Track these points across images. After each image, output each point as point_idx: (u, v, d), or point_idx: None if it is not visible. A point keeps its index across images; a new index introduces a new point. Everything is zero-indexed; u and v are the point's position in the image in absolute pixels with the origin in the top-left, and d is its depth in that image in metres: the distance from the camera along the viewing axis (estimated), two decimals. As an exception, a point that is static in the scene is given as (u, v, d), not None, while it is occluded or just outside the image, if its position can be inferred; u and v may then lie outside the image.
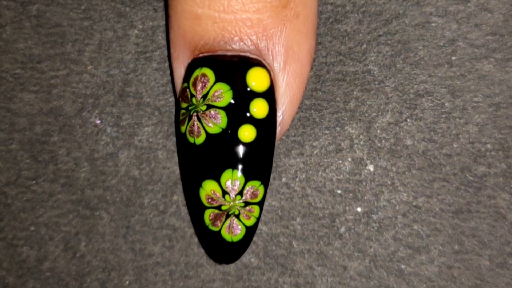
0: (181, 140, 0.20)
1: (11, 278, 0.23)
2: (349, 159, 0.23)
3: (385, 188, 0.23)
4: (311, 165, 0.23)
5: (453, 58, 0.23)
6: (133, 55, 0.23)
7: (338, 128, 0.23)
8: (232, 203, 0.20)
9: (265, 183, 0.20)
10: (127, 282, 0.23)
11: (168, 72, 0.24)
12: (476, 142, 0.23)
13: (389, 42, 0.23)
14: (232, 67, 0.19)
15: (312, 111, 0.23)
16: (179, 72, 0.21)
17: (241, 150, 0.19)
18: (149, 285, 0.23)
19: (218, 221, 0.20)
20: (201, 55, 0.20)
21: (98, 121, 0.23)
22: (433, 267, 0.23)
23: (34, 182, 0.23)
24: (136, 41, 0.24)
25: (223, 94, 0.19)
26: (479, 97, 0.23)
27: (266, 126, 0.20)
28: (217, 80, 0.19)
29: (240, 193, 0.20)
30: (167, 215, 0.23)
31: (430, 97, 0.23)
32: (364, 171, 0.23)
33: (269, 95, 0.20)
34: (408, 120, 0.23)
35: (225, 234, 0.20)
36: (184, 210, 0.23)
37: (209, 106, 0.19)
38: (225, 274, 0.23)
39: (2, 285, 0.23)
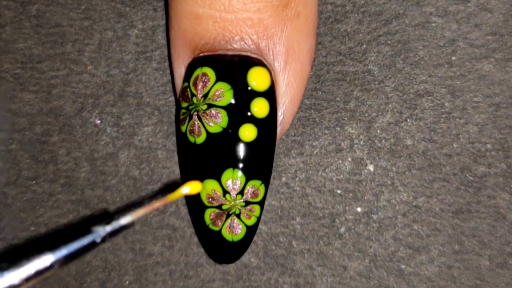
0: (182, 139, 0.20)
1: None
2: (349, 159, 0.23)
3: (385, 188, 0.23)
4: (311, 165, 0.23)
5: (453, 58, 0.23)
6: (133, 55, 0.23)
7: (338, 128, 0.23)
8: (232, 202, 0.20)
9: (266, 183, 0.20)
10: (127, 282, 0.23)
11: (168, 71, 0.24)
12: (476, 142, 0.23)
13: (389, 42, 0.23)
14: (233, 67, 0.19)
15: (312, 111, 0.23)
16: (180, 71, 0.21)
17: (242, 149, 0.19)
18: (149, 285, 0.23)
19: (219, 221, 0.20)
20: (201, 54, 0.20)
21: (98, 121, 0.23)
22: (433, 267, 0.23)
23: (34, 182, 0.23)
24: (136, 41, 0.24)
25: (224, 94, 0.19)
26: (479, 97, 0.23)
27: (267, 125, 0.20)
28: (218, 79, 0.19)
29: (241, 192, 0.20)
30: (166, 215, 0.23)
31: (430, 97, 0.23)
32: (364, 171, 0.23)
33: (270, 94, 0.20)
34: (408, 120, 0.23)
35: (226, 233, 0.20)
36: (183, 210, 0.23)
37: (210, 106, 0.19)
38: (225, 274, 0.23)
39: (2, 285, 0.23)
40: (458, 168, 0.23)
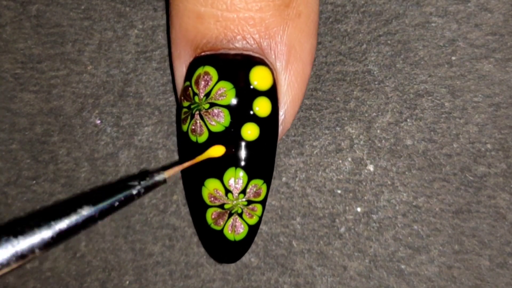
0: (183, 139, 0.20)
1: (11, 278, 0.23)
2: (349, 159, 0.23)
3: (385, 188, 0.23)
4: (311, 165, 0.23)
5: (453, 58, 0.23)
6: (133, 55, 0.23)
7: (338, 128, 0.23)
8: (235, 201, 0.20)
9: (268, 182, 0.20)
10: (127, 282, 0.23)
11: (168, 71, 0.24)
12: (476, 142, 0.23)
13: (389, 42, 0.23)
14: (235, 66, 0.19)
15: (312, 111, 0.23)
16: (181, 71, 0.21)
17: (244, 148, 0.19)
18: (149, 285, 0.23)
19: (221, 220, 0.20)
20: (203, 53, 0.20)
21: (98, 121, 0.23)
22: (433, 267, 0.23)
23: (34, 182, 0.23)
24: (136, 41, 0.23)
25: (226, 93, 0.19)
26: (479, 97, 0.23)
27: (269, 124, 0.20)
28: (220, 78, 0.19)
29: (243, 191, 0.20)
30: (167, 215, 0.23)
31: (430, 97, 0.23)
32: (364, 171, 0.23)
33: (272, 93, 0.20)
34: (408, 120, 0.23)
35: (228, 233, 0.20)
36: (184, 210, 0.23)
37: (212, 105, 0.19)
38: (225, 274, 0.23)
39: (2, 285, 0.23)
40: (458, 168, 0.23)
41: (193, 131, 0.20)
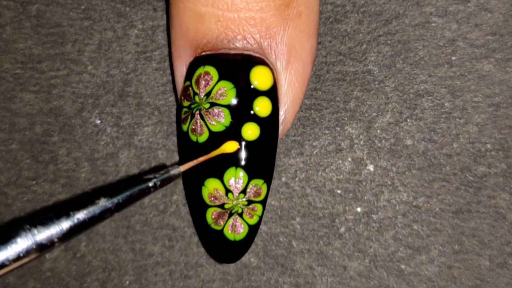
0: (183, 138, 0.20)
1: (12, 278, 0.23)
2: (349, 159, 0.23)
3: (385, 188, 0.23)
4: (311, 165, 0.23)
5: (453, 58, 0.23)
6: (133, 55, 0.23)
7: (338, 128, 0.23)
8: (235, 201, 0.20)
9: (268, 182, 0.20)
10: (127, 282, 0.23)
11: (168, 71, 0.24)
12: (476, 142, 0.23)
13: (389, 42, 0.23)
14: (236, 65, 0.20)
15: (312, 111, 0.23)
16: (181, 70, 0.21)
17: (244, 148, 0.19)
18: (149, 285, 0.23)
19: (221, 220, 0.20)
20: (203, 53, 0.20)
21: (98, 121, 0.23)
22: (433, 267, 0.23)
23: (34, 182, 0.23)
24: (136, 41, 0.24)
25: (227, 92, 0.19)
26: (479, 97, 0.23)
27: (269, 124, 0.20)
28: (221, 78, 0.19)
29: (243, 191, 0.20)
30: (167, 215, 0.23)
31: (430, 97, 0.23)
32: (364, 171, 0.23)
33: (272, 93, 0.20)
34: (408, 120, 0.23)
35: (228, 233, 0.20)
36: (184, 210, 0.23)
37: (213, 104, 0.19)
38: (225, 274, 0.23)
39: (3, 285, 0.23)
40: (458, 168, 0.23)
41: (194, 130, 0.20)
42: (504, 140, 0.23)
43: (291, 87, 0.21)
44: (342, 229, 0.23)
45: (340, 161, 0.23)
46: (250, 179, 0.20)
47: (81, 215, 0.16)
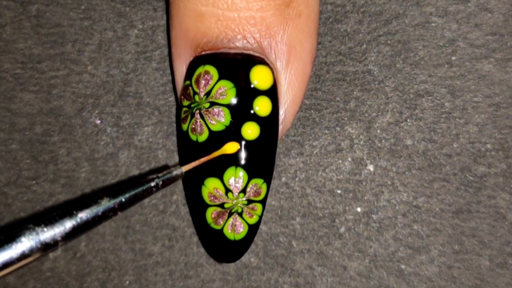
0: (183, 138, 0.20)
1: (11, 278, 0.23)
2: (349, 159, 0.23)
3: (385, 188, 0.23)
4: (311, 165, 0.23)
5: (453, 58, 0.23)
6: (133, 55, 0.23)
7: (338, 128, 0.23)
8: (235, 201, 0.20)
9: (268, 181, 0.20)
10: (127, 282, 0.23)
11: (168, 71, 0.24)
12: (476, 142, 0.23)
13: (389, 42, 0.23)
14: (236, 65, 0.20)
15: (312, 111, 0.23)
16: (181, 70, 0.21)
17: (244, 147, 0.19)
18: (149, 285, 0.23)
19: (221, 219, 0.20)
20: (203, 52, 0.20)
21: (98, 121, 0.23)
22: (433, 267, 0.23)
23: (34, 182, 0.23)
24: (136, 41, 0.24)
25: (227, 92, 0.19)
26: (479, 97, 0.23)
27: (269, 124, 0.20)
28: (221, 77, 0.19)
29: (243, 190, 0.20)
30: (166, 215, 0.23)
31: (430, 97, 0.23)
32: (364, 171, 0.23)
33: (272, 93, 0.20)
34: (408, 120, 0.23)
35: (228, 232, 0.20)
36: (183, 210, 0.23)
37: (212, 104, 0.19)
38: (224, 274, 0.23)
39: (2, 285, 0.23)
40: (458, 168, 0.23)
41: (193, 130, 0.20)
42: (504, 140, 0.23)
43: (291, 86, 0.21)
44: (342, 229, 0.23)
45: (340, 161, 0.23)
46: (250, 178, 0.20)
47: (84, 215, 0.16)
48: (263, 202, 0.20)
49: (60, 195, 0.23)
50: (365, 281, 0.23)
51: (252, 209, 0.20)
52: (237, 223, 0.20)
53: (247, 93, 0.19)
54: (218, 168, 0.20)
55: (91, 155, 0.23)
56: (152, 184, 0.18)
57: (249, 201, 0.20)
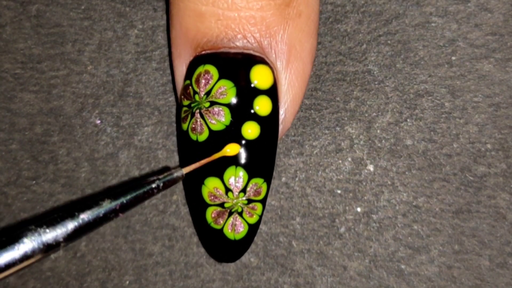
0: (183, 137, 0.20)
1: (12, 278, 0.23)
2: (349, 159, 0.23)
3: (385, 188, 0.23)
4: (311, 165, 0.23)
5: (453, 58, 0.23)
6: (133, 55, 0.23)
7: (338, 128, 0.23)
8: (235, 200, 0.20)
9: (268, 181, 0.20)
10: (127, 282, 0.23)
11: (168, 71, 0.24)
12: (476, 142, 0.23)
13: (389, 42, 0.23)
14: (236, 64, 0.20)
15: (312, 111, 0.23)
16: (181, 70, 0.21)
17: (244, 147, 0.19)
18: (149, 285, 0.23)
19: (221, 219, 0.20)
20: (204, 52, 0.20)
21: (98, 121, 0.23)
22: (433, 267, 0.23)
23: (34, 182, 0.23)
24: (136, 41, 0.24)
25: (227, 91, 0.19)
26: (479, 97, 0.23)
27: (269, 123, 0.20)
28: (221, 77, 0.19)
29: (243, 190, 0.20)
30: (166, 215, 0.23)
31: (430, 97, 0.23)
32: (364, 171, 0.23)
33: (272, 92, 0.20)
34: (408, 120, 0.23)
35: (228, 232, 0.20)
36: (183, 210, 0.23)
37: (213, 103, 0.19)
38: (224, 274, 0.23)
39: (2, 285, 0.23)
40: (458, 168, 0.23)
41: (194, 129, 0.20)
42: (504, 140, 0.23)
43: (291, 86, 0.21)
44: (342, 229, 0.23)
45: (340, 161, 0.23)
46: (250, 178, 0.20)
47: (86, 216, 0.16)
48: (263, 201, 0.20)
49: (60, 195, 0.23)
50: (365, 281, 0.23)
51: (252, 208, 0.20)
52: (237, 222, 0.20)
53: (247, 93, 0.19)
54: (218, 167, 0.20)
55: (91, 155, 0.23)
56: (153, 185, 0.18)
57: (249, 201, 0.20)
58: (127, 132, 0.23)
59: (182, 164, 0.21)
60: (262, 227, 0.23)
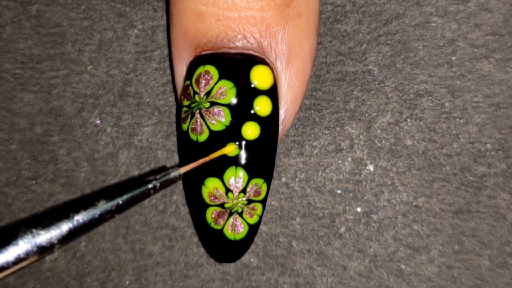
0: (183, 138, 0.20)
1: (11, 278, 0.23)
2: (349, 159, 0.23)
3: (385, 188, 0.23)
4: (311, 165, 0.23)
5: (453, 58, 0.23)
6: (133, 55, 0.23)
7: (338, 128, 0.23)
8: (235, 200, 0.20)
9: (268, 181, 0.20)
10: (127, 282, 0.23)
11: (168, 71, 0.24)
12: (476, 142, 0.23)
13: (389, 42, 0.23)
14: (236, 64, 0.20)
15: (312, 111, 0.23)
16: (181, 70, 0.21)
17: (244, 147, 0.19)
18: (149, 285, 0.23)
19: (221, 219, 0.20)
20: (204, 52, 0.20)
21: (98, 121, 0.23)
22: (433, 267, 0.23)
23: (34, 182, 0.23)
24: (136, 41, 0.24)
25: (227, 92, 0.19)
26: (479, 97, 0.23)
27: (269, 124, 0.20)
28: (221, 77, 0.19)
29: (243, 190, 0.20)
30: (166, 215, 0.23)
31: (430, 97, 0.23)
32: (364, 171, 0.23)
33: (272, 93, 0.20)
34: (408, 120, 0.23)
35: (228, 232, 0.20)
36: (183, 210, 0.23)
37: (213, 103, 0.19)
38: (224, 274, 0.23)
39: (2, 285, 0.23)
40: (458, 168, 0.23)
41: (194, 130, 0.20)
42: (504, 140, 0.23)
43: (291, 86, 0.21)
44: (342, 229, 0.23)
45: (340, 161, 0.23)
46: (250, 178, 0.20)
47: (81, 217, 0.16)
48: (263, 202, 0.20)
49: (60, 195, 0.23)
50: (365, 281, 0.23)
51: (252, 209, 0.20)
52: (237, 223, 0.20)
53: (247, 93, 0.19)
54: (218, 168, 0.20)
55: (91, 155, 0.23)
56: (150, 186, 0.17)
57: (249, 201, 0.20)
58: (127, 132, 0.23)
59: (182, 165, 0.21)
60: (262, 227, 0.23)
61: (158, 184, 0.18)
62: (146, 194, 0.17)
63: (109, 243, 0.23)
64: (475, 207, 0.23)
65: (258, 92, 0.20)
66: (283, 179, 0.23)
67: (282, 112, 0.21)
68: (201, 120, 0.19)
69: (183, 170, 0.19)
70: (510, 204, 0.23)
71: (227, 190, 0.20)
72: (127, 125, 0.23)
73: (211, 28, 0.19)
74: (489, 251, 0.23)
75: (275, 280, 0.23)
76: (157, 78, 0.23)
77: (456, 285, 0.23)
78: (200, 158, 0.19)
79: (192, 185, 0.20)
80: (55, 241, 0.15)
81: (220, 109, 0.19)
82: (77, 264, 0.23)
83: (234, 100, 0.19)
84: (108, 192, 0.17)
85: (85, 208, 0.16)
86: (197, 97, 0.20)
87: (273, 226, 0.23)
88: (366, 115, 0.23)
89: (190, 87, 0.20)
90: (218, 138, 0.19)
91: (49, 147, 0.23)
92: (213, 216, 0.20)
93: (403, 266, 0.23)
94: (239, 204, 0.20)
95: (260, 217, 0.20)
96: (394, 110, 0.23)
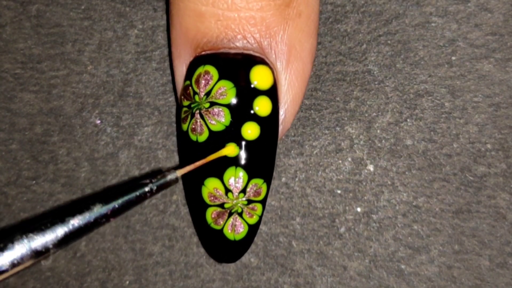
0: (183, 138, 0.20)
1: (11, 278, 0.23)
2: (349, 159, 0.23)
3: (385, 188, 0.23)
4: (310, 165, 0.23)
5: (453, 58, 0.23)
6: (133, 55, 0.23)
7: (338, 128, 0.23)
8: (235, 201, 0.20)
9: (268, 181, 0.20)
10: (127, 282, 0.23)
11: (168, 71, 0.24)
12: (476, 142, 0.23)
13: (389, 42, 0.23)
14: (236, 65, 0.20)
15: (312, 111, 0.23)
16: (181, 70, 0.21)
17: (244, 147, 0.19)
18: (149, 285, 0.23)
19: (221, 220, 0.20)
20: (203, 52, 0.20)
21: (98, 121, 0.23)
22: (433, 267, 0.23)
23: (34, 182, 0.23)
24: (136, 41, 0.24)
25: (227, 92, 0.19)
26: (479, 97, 0.23)
27: (269, 124, 0.20)
28: (221, 77, 0.19)
29: (243, 191, 0.20)
30: (166, 215, 0.23)
31: (430, 97, 0.23)
32: (364, 171, 0.23)
33: (272, 93, 0.20)
34: (408, 120, 0.23)
35: (228, 232, 0.20)
36: (183, 210, 0.23)
37: (212, 104, 0.19)
38: (224, 274, 0.23)
39: (2, 285, 0.23)
40: (458, 168, 0.23)
41: (193, 130, 0.20)
42: (504, 140, 0.23)
43: (291, 86, 0.21)
44: (342, 229, 0.23)
45: (340, 161, 0.23)
46: (250, 178, 0.20)
47: (76, 221, 0.16)
48: (263, 202, 0.20)
49: (60, 195, 0.23)
50: (365, 281, 0.23)
51: (252, 209, 0.20)
52: (237, 223, 0.20)
53: (247, 93, 0.19)
54: (218, 168, 0.20)
55: (91, 155, 0.23)
56: (146, 189, 0.17)
57: (249, 201, 0.20)
58: (127, 132, 0.23)
59: (182, 165, 0.21)
60: (262, 227, 0.23)
61: (155, 187, 0.17)
62: (143, 198, 0.17)
63: (109, 243, 0.23)
64: (475, 207, 0.23)
65: (258, 92, 0.20)
66: (283, 179, 0.23)
67: (282, 112, 0.21)
68: (201, 120, 0.19)
69: (180, 172, 0.18)
70: (510, 204, 0.23)
71: (227, 190, 0.20)
72: (127, 125, 0.23)
73: (211, 28, 0.19)
74: (489, 251, 0.23)
75: (275, 280, 0.23)
76: (157, 78, 0.23)
77: (456, 285, 0.23)
78: (200, 158, 0.19)
79: (192, 185, 0.20)
80: (50, 245, 0.15)
81: (220, 109, 0.19)
82: (77, 264, 0.23)
83: (234, 100, 0.19)
84: (104, 196, 0.16)
85: (80, 212, 0.16)
86: (197, 97, 0.20)
87: (273, 226, 0.23)
88: (366, 115, 0.23)
89: (190, 87, 0.20)
90: (218, 138, 0.19)
91: (49, 147, 0.23)
92: (213, 216, 0.20)
93: (403, 266, 0.23)
94: (239, 204, 0.20)
95: (260, 217, 0.20)
96: (394, 110, 0.23)
